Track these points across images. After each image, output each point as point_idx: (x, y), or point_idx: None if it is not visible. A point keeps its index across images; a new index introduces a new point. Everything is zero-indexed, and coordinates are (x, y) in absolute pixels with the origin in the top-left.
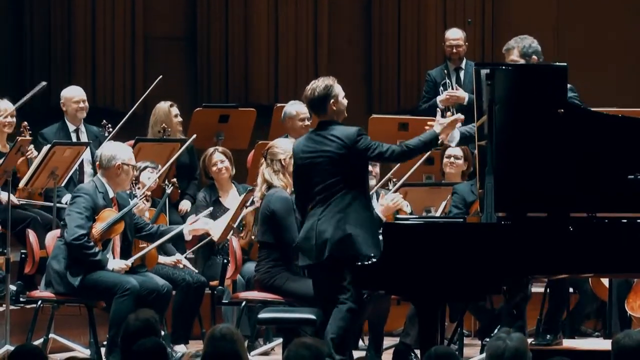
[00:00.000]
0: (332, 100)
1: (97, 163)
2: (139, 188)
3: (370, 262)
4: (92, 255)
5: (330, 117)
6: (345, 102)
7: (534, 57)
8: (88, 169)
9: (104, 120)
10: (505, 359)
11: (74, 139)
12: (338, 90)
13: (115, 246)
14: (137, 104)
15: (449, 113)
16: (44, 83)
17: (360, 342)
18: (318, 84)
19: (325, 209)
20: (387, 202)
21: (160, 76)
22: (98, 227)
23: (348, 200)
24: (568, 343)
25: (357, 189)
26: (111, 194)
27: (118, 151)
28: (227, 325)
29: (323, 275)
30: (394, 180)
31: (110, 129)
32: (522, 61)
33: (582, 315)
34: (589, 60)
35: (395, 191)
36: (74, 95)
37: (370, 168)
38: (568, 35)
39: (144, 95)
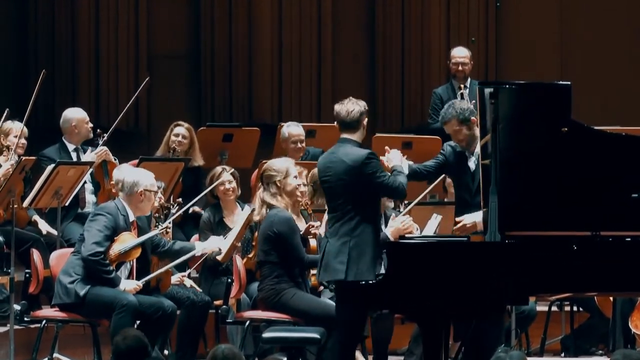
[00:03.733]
0: (366, 121)
1: (120, 184)
2: (156, 215)
3: (374, 281)
4: (106, 273)
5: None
6: None
7: (472, 118)
8: (89, 186)
9: (99, 130)
10: None
11: (74, 159)
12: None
13: (132, 267)
14: (121, 115)
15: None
16: (43, 71)
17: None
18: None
19: (333, 232)
20: (397, 224)
21: (148, 77)
22: (115, 249)
23: (353, 224)
24: None
25: (366, 212)
26: (131, 218)
27: (141, 177)
28: (230, 346)
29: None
30: (405, 202)
31: (105, 138)
32: (463, 127)
33: (595, 336)
34: (592, 79)
35: (406, 214)
36: (83, 116)
37: None
38: (571, 54)
39: (132, 101)
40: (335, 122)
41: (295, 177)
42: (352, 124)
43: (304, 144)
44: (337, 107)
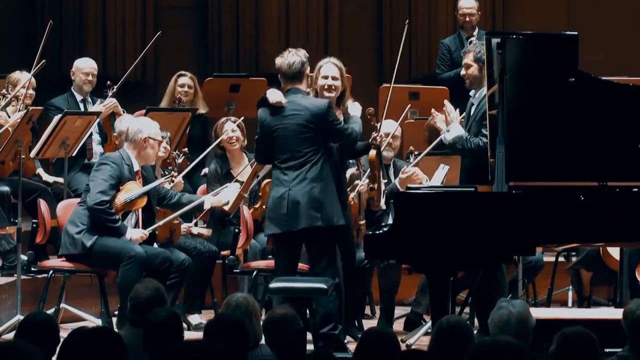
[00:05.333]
0: (308, 69)
1: (124, 135)
2: (168, 161)
3: (381, 231)
4: (112, 222)
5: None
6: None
7: None
8: (96, 137)
9: (108, 82)
10: (512, 326)
11: (82, 110)
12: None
13: (138, 217)
14: (132, 67)
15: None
16: (50, 22)
17: (369, 312)
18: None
19: (296, 178)
20: (406, 175)
21: (160, 32)
22: (121, 198)
23: (319, 170)
24: (578, 312)
25: (326, 159)
26: (136, 167)
27: (145, 125)
28: (244, 295)
29: (291, 245)
30: (415, 153)
31: (115, 90)
32: (475, 65)
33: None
34: (600, 30)
35: (416, 165)
36: (84, 66)
37: (390, 140)
38: (579, 5)
39: (142, 55)
40: (279, 76)
41: None
42: (296, 75)
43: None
44: (278, 61)
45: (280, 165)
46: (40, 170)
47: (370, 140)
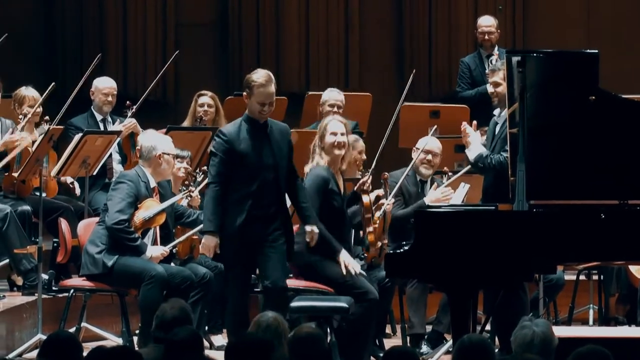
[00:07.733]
0: (245, 93)
1: (138, 153)
2: (186, 182)
3: (401, 250)
4: (132, 241)
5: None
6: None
7: None
8: (117, 156)
9: (128, 102)
10: (535, 346)
11: (102, 129)
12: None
13: (156, 235)
14: (151, 86)
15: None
16: (99, 55)
17: (390, 331)
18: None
19: None
20: (437, 194)
21: (177, 51)
22: (139, 216)
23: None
24: (600, 331)
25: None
26: (152, 184)
27: (158, 141)
28: (274, 314)
29: None
30: (449, 173)
31: (134, 110)
32: (505, 84)
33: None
34: (620, 46)
35: (448, 185)
36: (104, 87)
37: (429, 157)
38: (599, 21)
39: (161, 73)
40: None
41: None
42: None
43: (341, 110)
44: None
45: None
46: (75, 184)
47: (355, 187)
